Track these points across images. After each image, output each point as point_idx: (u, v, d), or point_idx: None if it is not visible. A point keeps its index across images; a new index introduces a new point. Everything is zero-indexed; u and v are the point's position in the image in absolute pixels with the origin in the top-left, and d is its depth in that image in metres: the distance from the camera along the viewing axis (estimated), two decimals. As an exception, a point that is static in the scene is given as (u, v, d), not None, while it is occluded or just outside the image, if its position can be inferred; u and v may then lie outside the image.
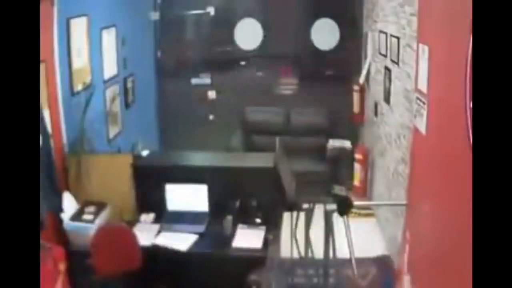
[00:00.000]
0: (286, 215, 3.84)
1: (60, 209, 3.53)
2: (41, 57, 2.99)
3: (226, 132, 6.27)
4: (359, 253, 3.31)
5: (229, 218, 3.63)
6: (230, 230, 3.62)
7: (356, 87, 6.17)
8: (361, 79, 6.04)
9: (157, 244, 3.53)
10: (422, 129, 2.93)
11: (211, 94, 6.78)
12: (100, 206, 3.67)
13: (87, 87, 4.05)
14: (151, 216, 3.83)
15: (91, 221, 3.53)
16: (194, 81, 6.77)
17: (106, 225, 3.54)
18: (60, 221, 3.52)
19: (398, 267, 3.55)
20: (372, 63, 5.79)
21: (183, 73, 6.75)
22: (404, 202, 3.45)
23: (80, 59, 4.14)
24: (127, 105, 5.34)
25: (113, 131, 4.85)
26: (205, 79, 6.77)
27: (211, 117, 6.80)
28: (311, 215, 3.67)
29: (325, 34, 6.57)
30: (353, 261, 3.09)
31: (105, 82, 4.68)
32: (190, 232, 3.64)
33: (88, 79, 4.16)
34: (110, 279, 3.28)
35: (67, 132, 3.83)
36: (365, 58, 6.05)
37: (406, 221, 3.38)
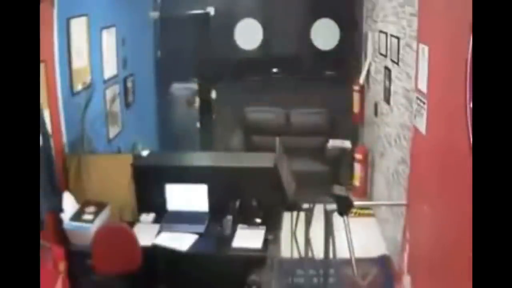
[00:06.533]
0: (286, 215, 3.84)
1: (60, 209, 3.53)
2: (41, 57, 2.98)
3: (226, 132, 6.26)
4: (359, 253, 3.31)
5: (229, 218, 3.62)
6: (230, 230, 3.62)
7: (356, 87, 6.17)
8: (361, 79, 6.04)
9: (157, 244, 3.53)
10: (422, 129, 2.93)
11: (211, 94, 6.76)
12: (100, 206, 3.66)
13: (87, 87, 4.04)
14: (151, 216, 3.83)
15: (91, 221, 3.52)
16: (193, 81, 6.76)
17: (106, 225, 3.53)
18: (60, 221, 3.51)
19: (398, 267, 3.56)
20: (372, 63, 5.79)
21: (183, 73, 6.74)
22: (404, 202, 3.45)
23: (80, 59, 4.14)
24: (127, 105, 5.34)
25: (113, 131, 4.85)
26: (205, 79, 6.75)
27: (210, 117, 6.80)
28: (311, 215, 3.68)
29: (325, 34, 6.57)
30: (353, 261, 3.09)
31: (105, 82, 4.67)
32: (190, 232, 3.63)
33: (88, 79, 4.15)
34: (110, 279, 3.28)
35: (67, 132, 3.82)
36: (365, 58, 6.05)
37: (406, 221, 3.39)
